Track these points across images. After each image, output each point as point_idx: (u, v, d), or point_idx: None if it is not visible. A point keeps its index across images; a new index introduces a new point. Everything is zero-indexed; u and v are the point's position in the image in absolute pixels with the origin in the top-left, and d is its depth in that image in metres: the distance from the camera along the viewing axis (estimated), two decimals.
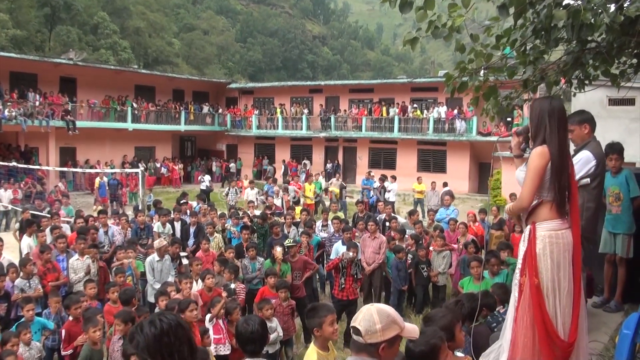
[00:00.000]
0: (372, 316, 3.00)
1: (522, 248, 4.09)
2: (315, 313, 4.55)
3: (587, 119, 5.63)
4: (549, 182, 3.94)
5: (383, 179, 23.77)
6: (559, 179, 3.91)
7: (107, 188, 25.07)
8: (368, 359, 3.00)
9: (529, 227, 4.04)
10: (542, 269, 3.90)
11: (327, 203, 21.35)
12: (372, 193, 23.20)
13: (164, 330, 2.48)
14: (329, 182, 25.61)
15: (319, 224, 14.12)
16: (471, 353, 4.67)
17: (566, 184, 3.96)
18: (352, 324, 3.07)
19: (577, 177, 5.32)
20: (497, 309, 6.21)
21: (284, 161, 38.39)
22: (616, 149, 6.63)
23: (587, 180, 5.40)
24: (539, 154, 3.95)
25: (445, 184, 21.79)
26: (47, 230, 12.08)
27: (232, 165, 38.85)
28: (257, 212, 15.09)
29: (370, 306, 3.11)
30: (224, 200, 22.42)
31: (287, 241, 10.78)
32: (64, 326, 7.75)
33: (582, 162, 5.39)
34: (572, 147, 5.60)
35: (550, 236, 3.90)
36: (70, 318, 7.85)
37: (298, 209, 16.28)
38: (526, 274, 3.97)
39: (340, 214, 15.52)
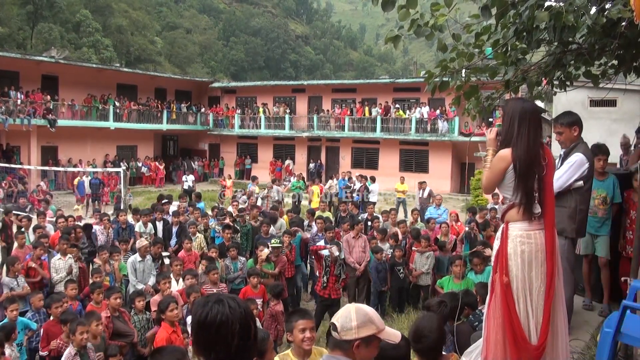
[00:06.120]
0: (349, 313, 2.99)
1: (495, 246, 4.12)
2: (289, 317, 4.53)
3: (576, 120, 5.54)
4: (514, 185, 3.91)
5: (364, 178, 23.68)
6: (525, 183, 3.87)
7: (85, 187, 24.94)
8: (342, 356, 2.99)
9: (502, 225, 4.07)
10: (513, 268, 3.91)
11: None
12: (354, 193, 23.11)
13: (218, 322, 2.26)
14: (329, 183, 25.41)
15: (305, 223, 14.04)
16: (456, 351, 4.70)
17: (533, 187, 3.90)
18: (332, 320, 3.08)
19: (572, 179, 5.31)
20: (479, 308, 6.24)
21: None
22: (604, 150, 6.68)
23: (581, 183, 5.37)
24: (500, 158, 3.94)
25: (422, 183, 21.70)
26: (30, 229, 11.98)
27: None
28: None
29: (351, 305, 3.11)
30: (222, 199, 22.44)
31: (273, 241, 10.77)
32: (44, 326, 7.67)
33: (576, 165, 5.34)
34: (560, 150, 5.61)
35: (521, 236, 3.91)
36: (51, 317, 7.78)
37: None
38: (497, 271, 4.00)
39: (327, 214, 15.50)
